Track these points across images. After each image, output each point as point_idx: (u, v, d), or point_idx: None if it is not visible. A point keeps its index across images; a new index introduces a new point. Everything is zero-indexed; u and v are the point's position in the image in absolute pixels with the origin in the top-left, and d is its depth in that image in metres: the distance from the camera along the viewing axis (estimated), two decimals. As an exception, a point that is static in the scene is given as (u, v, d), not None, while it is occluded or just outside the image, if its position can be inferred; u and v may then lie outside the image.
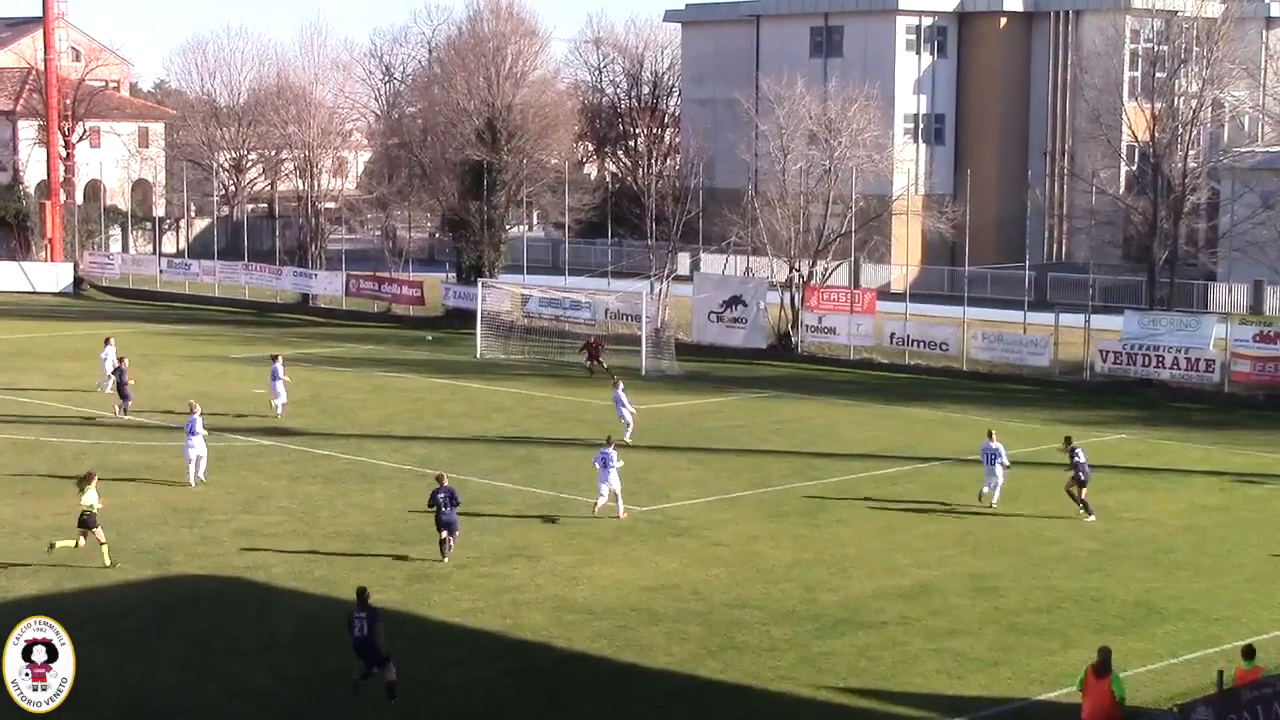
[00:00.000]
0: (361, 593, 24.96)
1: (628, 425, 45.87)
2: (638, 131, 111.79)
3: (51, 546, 31.68)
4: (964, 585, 31.42)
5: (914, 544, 34.77)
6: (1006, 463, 38.30)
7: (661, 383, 59.01)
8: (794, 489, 40.30)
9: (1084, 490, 37.60)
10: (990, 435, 39.03)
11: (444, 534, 32.59)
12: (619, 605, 29.56)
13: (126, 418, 48.43)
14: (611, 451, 36.57)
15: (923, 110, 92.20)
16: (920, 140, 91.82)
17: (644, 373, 60.58)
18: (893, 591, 30.84)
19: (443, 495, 32.53)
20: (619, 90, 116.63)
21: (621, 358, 62.93)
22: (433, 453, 43.56)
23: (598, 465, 36.67)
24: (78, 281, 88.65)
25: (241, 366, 60.23)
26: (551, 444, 45.79)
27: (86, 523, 31.57)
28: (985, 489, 38.28)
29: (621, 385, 47.52)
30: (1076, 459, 37.74)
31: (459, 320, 72.05)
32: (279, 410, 48.75)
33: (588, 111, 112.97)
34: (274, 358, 50.47)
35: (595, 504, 36.57)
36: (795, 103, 70.50)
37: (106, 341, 54.10)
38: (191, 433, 39.18)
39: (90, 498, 31.83)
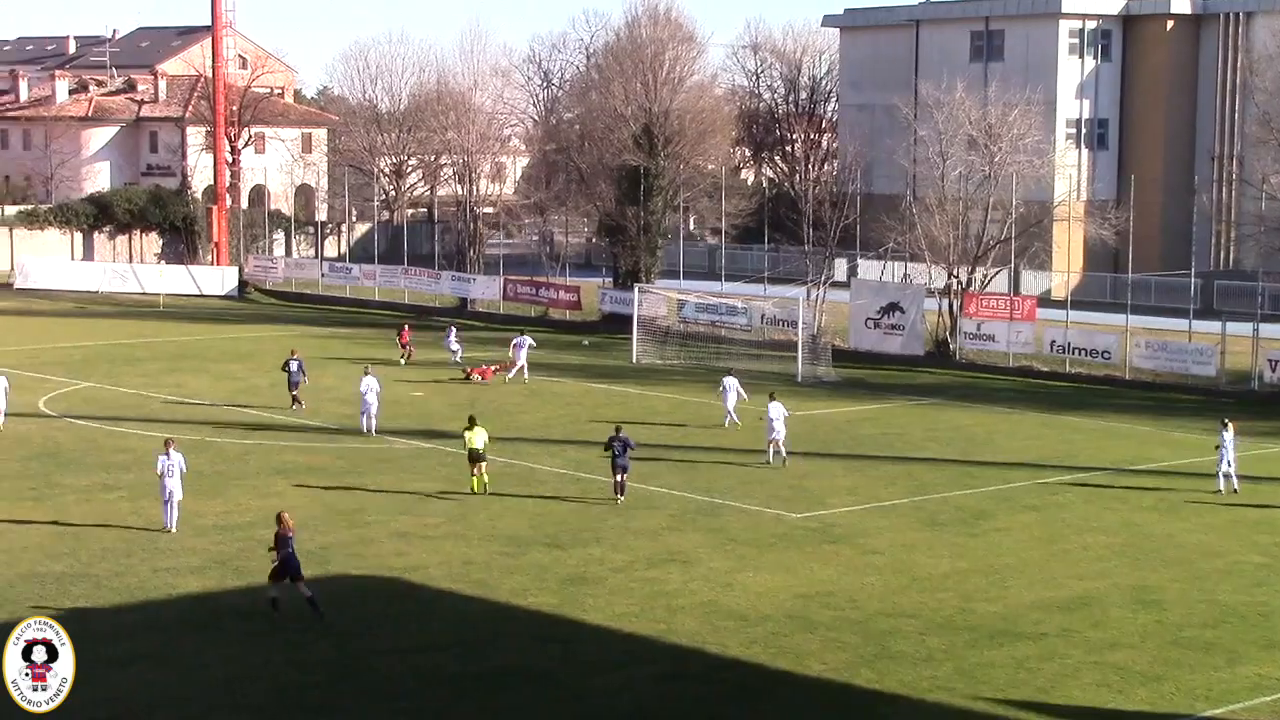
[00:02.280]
0: (280, 517, 29.15)
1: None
2: (795, 137, 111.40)
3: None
4: (1125, 597, 30.86)
5: (1074, 555, 34.23)
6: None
7: (818, 389, 58.72)
8: (951, 497, 39.87)
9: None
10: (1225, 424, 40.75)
11: (617, 476, 38.18)
12: (773, 612, 29.45)
13: (295, 410, 50.49)
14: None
15: (1085, 115, 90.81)
16: (1082, 145, 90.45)
17: (800, 379, 60.32)
18: (1052, 603, 30.38)
19: (617, 443, 38.05)
20: (776, 95, 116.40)
21: (778, 364, 62.76)
22: (588, 456, 43.73)
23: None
24: (242, 285, 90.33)
25: (400, 370, 60.94)
26: (707, 449, 45.76)
27: (478, 457, 38.90)
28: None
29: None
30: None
31: (615, 325, 72.30)
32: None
33: (745, 117, 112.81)
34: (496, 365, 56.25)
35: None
36: (955, 107, 69.80)
37: (366, 371, 49.64)
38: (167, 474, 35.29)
39: (480, 438, 38.95)
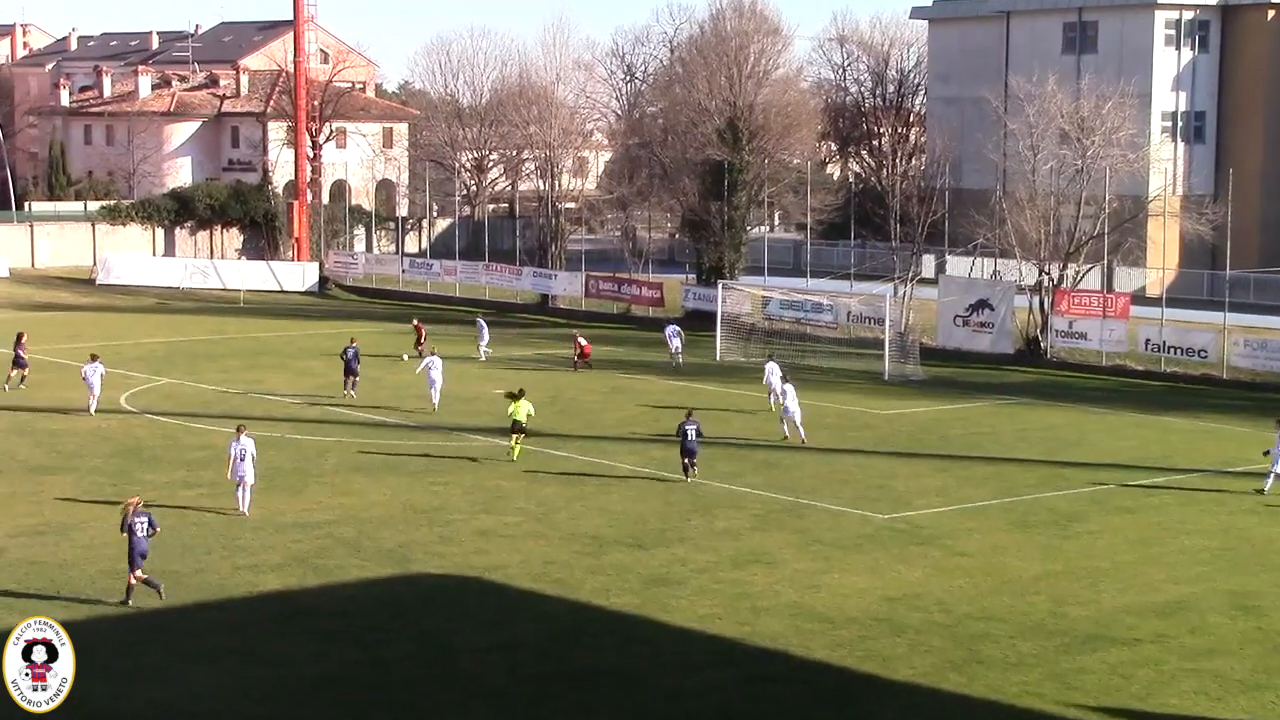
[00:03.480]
0: (128, 504, 29.46)
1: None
2: (882, 131, 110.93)
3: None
4: (1224, 603, 30.43)
5: (1170, 558, 33.81)
6: None
7: (905, 388, 58.41)
8: (1042, 499, 39.52)
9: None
10: None
11: (685, 460, 40.27)
12: (859, 614, 29.27)
13: (346, 396, 52.10)
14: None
15: (1181, 107, 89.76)
16: (1179, 138, 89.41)
17: (887, 377, 60.02)
18: (1147, 607, 30.01)
19: (691, 427, 40.29)
20: (863, 89, 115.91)
21: (864, 362, 62.48)
22: (671, 455, 43.65)
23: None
24: (323, 281, 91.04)
25: (482, 367, 61.18)
26: (791, 449, 45.58)
27: (519, 429, 42.30)
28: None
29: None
30: None
31: (698, 322, 72.24)
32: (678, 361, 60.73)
33: (831, 110, 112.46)
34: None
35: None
36: (1046, 100, 69.25)
37: (431, 352, 53.61)
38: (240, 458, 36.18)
39: (524, 410, 42.29)
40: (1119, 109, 69.19)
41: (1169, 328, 62.44)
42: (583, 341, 61.58)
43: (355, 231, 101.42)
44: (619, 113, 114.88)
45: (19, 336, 54.46)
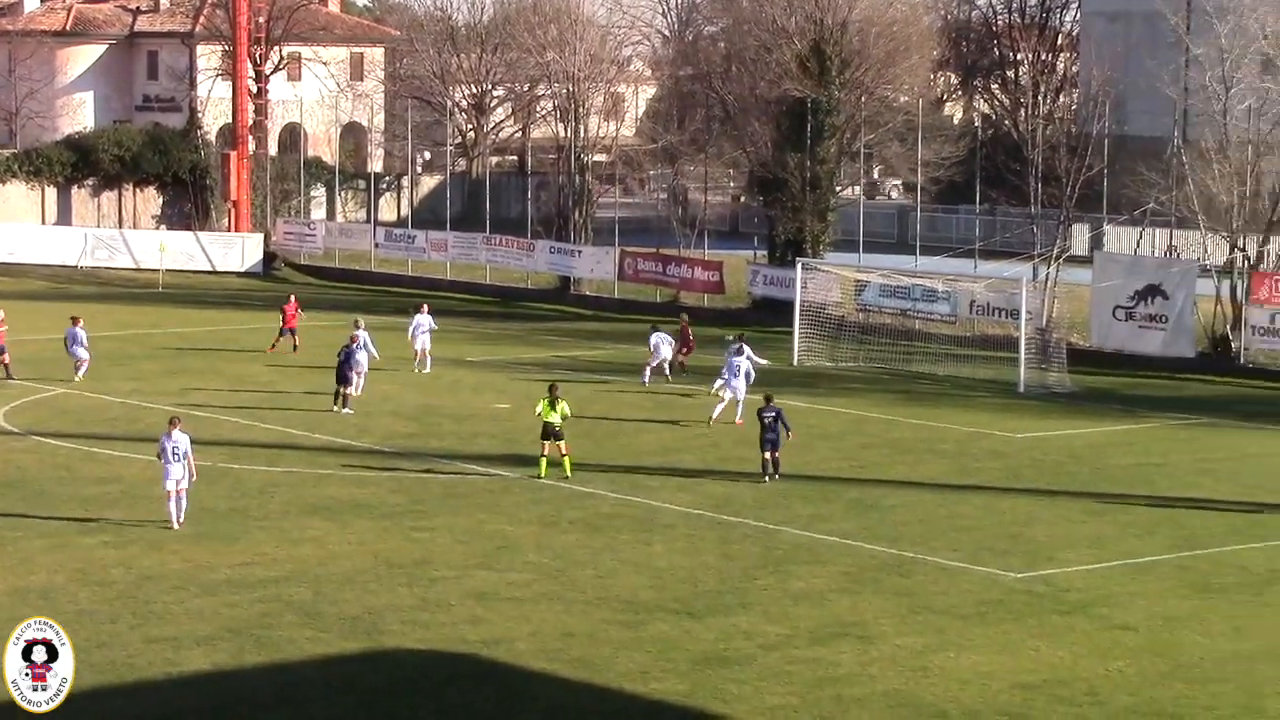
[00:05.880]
0: None
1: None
2: (1020, 58, 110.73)
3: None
4: None
5: (1405, 635, 33.73)
6: None
7: (1048, 403, 58.31)
8: (1232, 553, 39.44)
9: None
10: None
11: (766, 453, 44.74)
12: (983, 707, 29.30)
13: (338, 412, 52.89)
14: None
15: None
16: None
17: (1022, 389, 59.91)
18: (1373, 700, 29.97)
19: (768, 414, 44.80)
20: (995, 2, 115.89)
21: (992, 367, 62.36)
22: (734, 492, 43.68)
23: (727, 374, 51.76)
24: (269, 258, 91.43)
25: (480, 373, 61.25)
26: (893, 484, 45.57)
27: (555, 434, 44.37)
28: None
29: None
30: None
31: (770, 314, 72.29)
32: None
33: (951, 31, 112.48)
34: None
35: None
36: (1245, 15, 69.12)
37: (419, 309, 62.48)
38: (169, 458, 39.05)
39: (561, 411, 44.31)
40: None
41: None
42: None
43: (313, 193, 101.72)
44: (666, 35, 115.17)
45: None
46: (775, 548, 39.01)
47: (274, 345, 64.10)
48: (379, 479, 45.20)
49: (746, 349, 54.83)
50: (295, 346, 63.92)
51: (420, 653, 31.94)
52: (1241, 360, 64.52)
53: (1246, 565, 38.47)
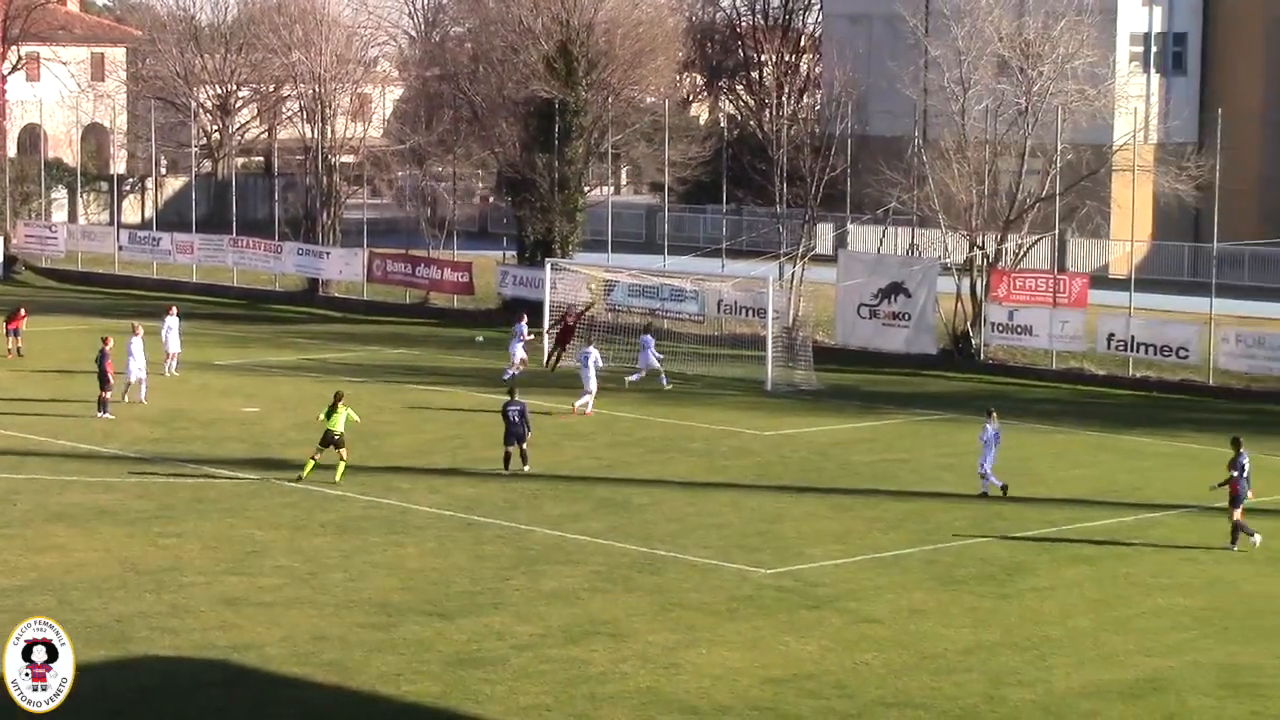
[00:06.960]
0: None
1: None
2: (764, 59, 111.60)
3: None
4: (1209, 680, 31.09)
5: (1139, 623, 34.47)
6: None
7: (795, 400, 58.86)
8: (973, 546, 40.07)
9: (1238, 511, 39.56)
10: None
11: (510, 446, 45.56)
12: (734, 702, 29.52)
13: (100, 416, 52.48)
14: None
15: (1156, 28, 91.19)
16: (1152, 69, 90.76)
17: (769, 387, 60.46)
18: (1111, 687, 30.59)
19: (513, 409, 45.83)
20: (739, 4, 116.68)
21: (740, 366, 62.85)
22: (484, 493, 43.68)
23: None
24: (9, 261, 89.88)
25: (228, 377, 60.66)
26: (644, 483, 45.80)
27: (335, 442, 44.29)
28: None
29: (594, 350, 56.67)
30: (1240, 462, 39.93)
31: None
32: None
33: (696, 32, 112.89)
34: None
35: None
36: (981, 18, 70.08)
37: (169, 311, 61.68)
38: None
39: (342, 421, 44.24)
40: (1075, 30, 70.09)
41: (1139, 319, 63.47)
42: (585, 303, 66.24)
43: (54, 195, 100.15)
44: (413, 35, 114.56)
45: None
46: (527, 548, 39.08)
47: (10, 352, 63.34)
48: (125, 485, 44.64)
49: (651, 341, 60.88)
50: (19, 350, 63.44)
51: (170, 659, 31.60)
52: (981, 356, 65.44)
53: (988, 558, 39.09)
